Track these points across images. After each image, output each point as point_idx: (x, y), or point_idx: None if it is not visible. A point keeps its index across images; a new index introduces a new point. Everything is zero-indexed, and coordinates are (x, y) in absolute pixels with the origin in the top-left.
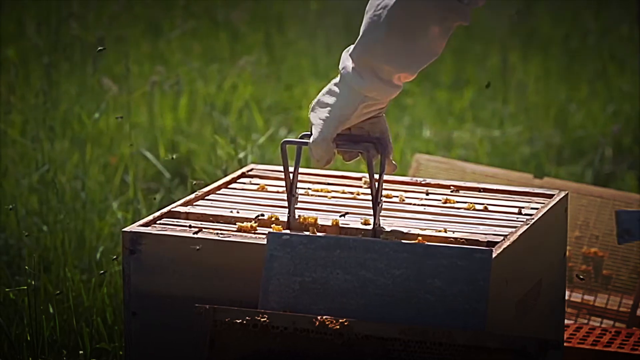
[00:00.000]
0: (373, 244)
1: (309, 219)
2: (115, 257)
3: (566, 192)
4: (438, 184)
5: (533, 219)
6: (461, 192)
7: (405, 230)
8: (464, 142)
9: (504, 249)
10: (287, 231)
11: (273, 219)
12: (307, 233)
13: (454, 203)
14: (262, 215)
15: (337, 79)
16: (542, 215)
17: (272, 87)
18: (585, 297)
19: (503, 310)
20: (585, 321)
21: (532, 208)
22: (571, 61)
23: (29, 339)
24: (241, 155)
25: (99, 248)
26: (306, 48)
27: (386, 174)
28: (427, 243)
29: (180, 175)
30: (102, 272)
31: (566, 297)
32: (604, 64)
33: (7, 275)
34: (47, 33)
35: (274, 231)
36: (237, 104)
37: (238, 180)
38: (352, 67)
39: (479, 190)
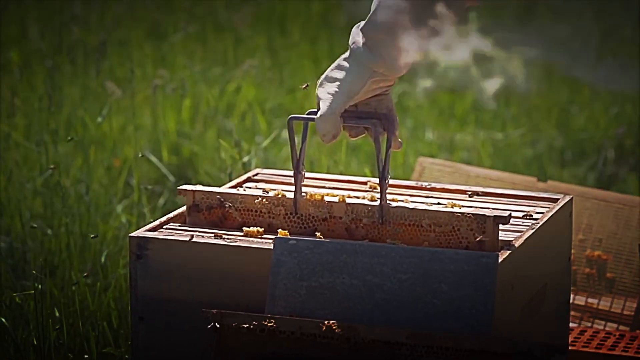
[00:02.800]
0: (379, 248)
1: (316, 196)
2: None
3: (571, 196)
4: (443, 188)
5: (538, 223)
6: (462, 196)
7: (411, 206)
8: (467, 144)
9: (510, 253)
10: (294, 236)
11: (280, 195)
12: (313, 238)
13: (460, 208)
14: (267, 192)
15: (346, 54)
16: (548, 219)
17: (275, 89)
18: (589, 300)
19: (509, 315)
20: (589, 324)
21: (537, 212)
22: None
23: (35, 343)
24: (245, 159)
25: (103, 251)
26: (309, 50)
27: (393, 150)
28: (433, 248)
29: (185, 179)
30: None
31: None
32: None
33: (12, 279)
34: (50, 36)
35: (281, 236)
36: (241, 107)
37: (244, 185)
38: (363, 43)
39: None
